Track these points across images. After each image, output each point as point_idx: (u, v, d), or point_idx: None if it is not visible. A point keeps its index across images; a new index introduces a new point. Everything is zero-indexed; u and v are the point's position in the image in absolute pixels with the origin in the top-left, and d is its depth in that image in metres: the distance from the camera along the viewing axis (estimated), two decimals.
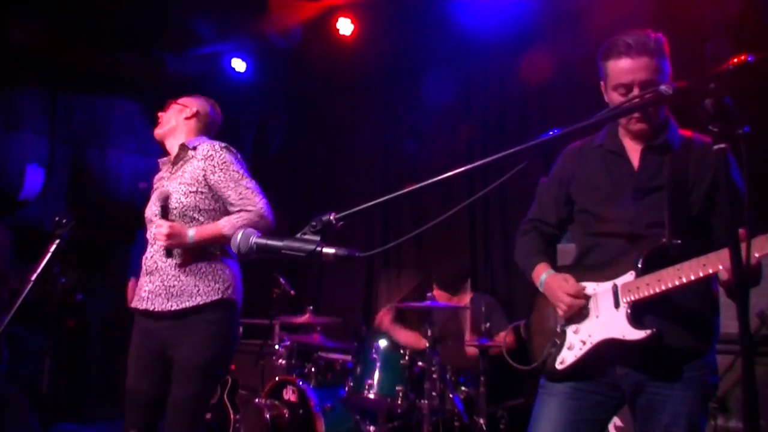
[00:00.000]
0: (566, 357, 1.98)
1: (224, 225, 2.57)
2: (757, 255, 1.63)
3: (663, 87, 1.36)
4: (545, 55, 4.52)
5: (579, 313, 1.97)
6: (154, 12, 5.24)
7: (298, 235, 1.24)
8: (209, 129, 2.92)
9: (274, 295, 4.67)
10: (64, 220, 2.60)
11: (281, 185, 6.52)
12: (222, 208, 2.67)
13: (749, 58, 1.24)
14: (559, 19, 4.57)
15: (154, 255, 2.67)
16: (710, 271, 1.67)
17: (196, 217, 2.63)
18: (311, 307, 4.53)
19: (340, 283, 5.75)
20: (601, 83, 2.03)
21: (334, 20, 5.41)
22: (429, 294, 3.79)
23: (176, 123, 2.85)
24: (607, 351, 1.91)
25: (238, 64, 6.21)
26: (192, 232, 2.56)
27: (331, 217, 1.25)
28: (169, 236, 2.52)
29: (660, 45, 1.91)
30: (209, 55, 6.14)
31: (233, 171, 2.63)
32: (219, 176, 2.61)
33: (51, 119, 6.25)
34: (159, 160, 2.94)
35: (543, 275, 2.07)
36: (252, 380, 4.76)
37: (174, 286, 2.57)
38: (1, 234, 4.03)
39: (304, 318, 4.43)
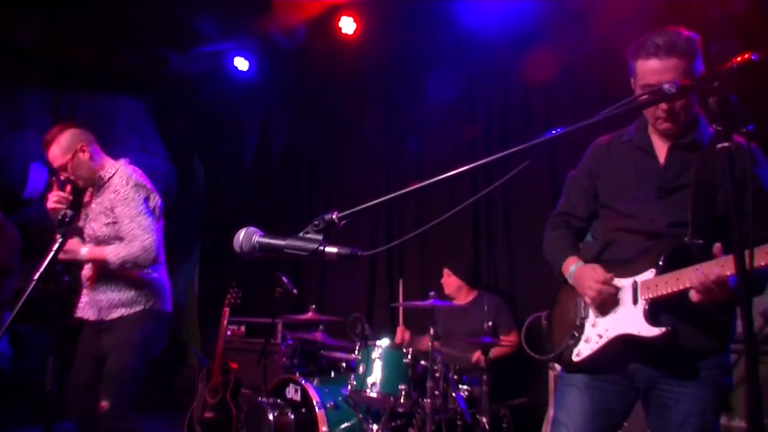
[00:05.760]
0: (582, 350, 2.00)
1: (108, 253, 2.94)
2: (763, 264, 1.61)
3: (666, 86, 1.35)
4: (549, 54, 4.50)
5: (608, 303, 1.95)
6: (157, 10, 5.24)
7: (301, 234, 1.23)
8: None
9: (277, 293, 4.67)
10: (66, 219, 2.61)
11: (284, 184, 6.53)
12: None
13: (753, 57, 1.24)
14: (562, 17, 4.55)
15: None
16: (728, 273, 1.66)
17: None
18: (314, 306, 4.54)
19: (343, 281, 5.75)
20: (631, 80, 2.00)
21: (336, 19, 5.41)
22: (431, 293, 3.78)
23: None
24: (622, 346, 1.92)
25: (242, 63, 6.21)
26: (84, 251, 2.96)
27: (334, 216, 1.24)
28: (65, 251, 2.89)
29: (691, 45, 1.86)
30: (212, 54, 6.14)
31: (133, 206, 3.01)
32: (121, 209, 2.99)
33: (55, 118, 6.25)
34: None
35: (572, 266, 2.06)
36: (255, 379, 4.76)
37: (101, 300, 3.00)
38: (11, 232, 4.06)
39: (307, 316, 4.43)
